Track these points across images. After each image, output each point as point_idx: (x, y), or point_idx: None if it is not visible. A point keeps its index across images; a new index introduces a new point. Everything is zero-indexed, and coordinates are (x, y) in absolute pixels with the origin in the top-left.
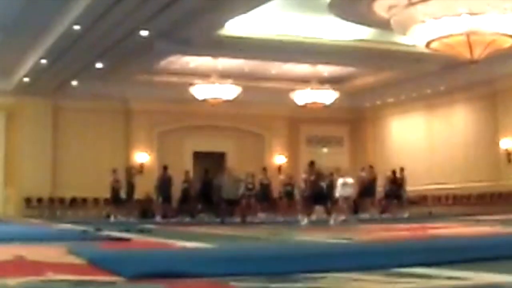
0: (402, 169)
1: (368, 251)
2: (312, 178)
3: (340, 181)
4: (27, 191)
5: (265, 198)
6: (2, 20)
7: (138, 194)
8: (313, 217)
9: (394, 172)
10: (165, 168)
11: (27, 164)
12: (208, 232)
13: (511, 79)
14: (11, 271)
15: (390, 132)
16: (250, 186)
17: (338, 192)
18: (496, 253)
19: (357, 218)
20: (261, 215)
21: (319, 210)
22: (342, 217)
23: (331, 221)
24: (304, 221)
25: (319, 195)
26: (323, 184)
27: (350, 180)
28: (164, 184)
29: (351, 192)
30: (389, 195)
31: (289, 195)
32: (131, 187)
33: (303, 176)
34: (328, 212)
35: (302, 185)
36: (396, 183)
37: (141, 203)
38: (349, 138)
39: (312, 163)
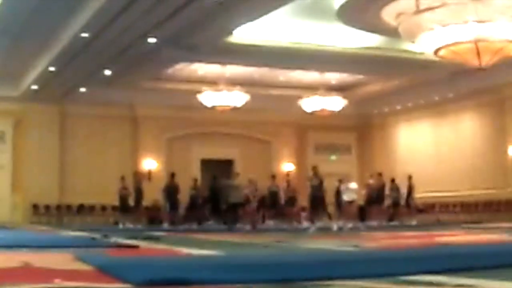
0: (410, 177)
1: (376, 258)
2: (315, 183)
3: (342, 187)
4: (34, 197)
5: (273, 206)
6: (10, 27)
7: (145, 201)
8: (319, 223)
9: (393, 180)
10: (172, 175)
11: (34, 171)
12: (216, 239)
13: None
14: (19, 278)
15: (398, 139)
16: (259, 193)
17: (343, 198)
18: (504, 261)
19: (365, 225)
20: (270, 222)
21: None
22: (349, 224)
23: (334, 227)
24: (312, 228)
25: (319, 199)
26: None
27: (353, 185)
28: (171, 191)
29: (354, 197)
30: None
31: (291, 202)
32: (139, 194)
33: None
34: (330, 217)
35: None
36: (396, 189)
37: (149, 210)
38: (357, 146)
39: (315, 168)
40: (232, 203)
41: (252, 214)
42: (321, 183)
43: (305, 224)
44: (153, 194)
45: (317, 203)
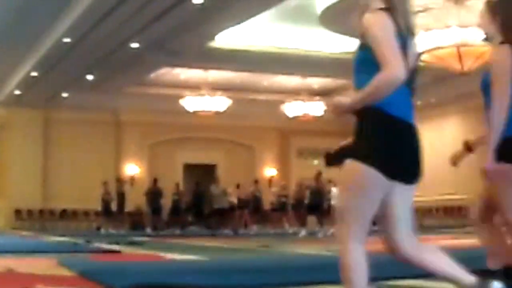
0: None
1: None
2: (313, 188)
3: (334, 190)
4: (17, 202)
5: (257, 211)
6: None
7: (128, 206)
8: (307, 228)
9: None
10: (155, 181)
11: (17, 176)
12: (199, 244)
13: None
14: (2, 283)
15: None
16: (244, 198)
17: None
18: (486, 264)
19: None
20: (254, 228)
21: (311, 222)
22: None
23: (320, 234)
24: (302, 232)
25: (317, 205)
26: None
27: None
28: (154, 196)
29: None
30: None
31: (283, 206)
32: (121, 199)
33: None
34: (321, 223)
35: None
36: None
37: (132, 215)
38: None
39: (319, 174)
40: (216, 209)
41: (235, 220)
42: (321, 189)
43: (289, 229)
44: (135, 200)
45: (315, 209)
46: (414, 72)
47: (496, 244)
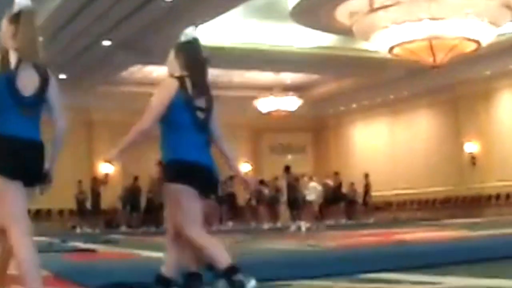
0: (366, 175)
1: (334, 257)
2: (292, 183)
3: (312, 185)
4: None
5: (231, 207)
6: None
7: (102, 205)
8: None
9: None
10: (135, 178)
11: None
12: None
13: (472, 84)
14: None
15: (354, 138)
16: (220, 194)
17: (308, 196)
18: (460, 258)
19: (323, 224)
20: (229, 224)
21: (284, 216)
22: (307, 224)
23: (292, 227)
24: (292, 227)
25: (295, 200)
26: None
27: (313, 184)
28: (132, 194)
29: (314, 197)
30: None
31: (275, 201)
32: (97, 198)
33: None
34: (298, 218)
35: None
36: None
37: (106, 213)
38: (313, 145)
39: (288, 168)
40: None
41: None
42: (296, 182)
43: (264, 224)
44: (110, 198)
45: (294, 202)
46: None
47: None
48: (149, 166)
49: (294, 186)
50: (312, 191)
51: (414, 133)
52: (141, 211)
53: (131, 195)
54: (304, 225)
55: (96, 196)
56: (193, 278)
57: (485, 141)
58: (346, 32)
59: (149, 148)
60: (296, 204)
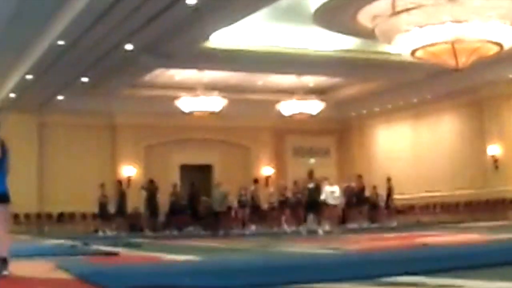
0: (389, 179)
1: (357, 261)
2: (311, 186)
3: (328, 188)
4: (14, 207)
5: (255, 210)
6: None
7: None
8: (305, 226)
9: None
10: (151, 181)
11: (13, 180)
12: (197, 245)
13: (496, 86)
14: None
15: (377, 142)
16: (243, 198)
17: (328, 200)
18: (484, 261)
19: (345, 228)
20: (252, 227)
21: (310, 220)
22: (330, 227)
23: (320, 231)
24: (303, 231)
25: (315, 203)
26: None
27: (336, 188)
28: (150, 197)
29: (337, 201)
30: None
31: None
32: (122, 201)
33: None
34: (319, 222)
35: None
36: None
37: (129, 217)
38: (336, 148)
39: (311, 172)
40: (216, 212)
41: (230, 221)
42: (317, 187)
43: (286, 228)
44: (132, 201)
45: (314, 206)
46: None
47: None
48: (170, 169)
49: (314, 190)
50: (329, 195)
51: (437, 136)
52: (160, 215)
53: (148, 199)
54: (321, 228)
55: (121, 198)
56: None
57: (508, 144)
58: (368, 35)
59: (170, 151)
60: (316, 207)
